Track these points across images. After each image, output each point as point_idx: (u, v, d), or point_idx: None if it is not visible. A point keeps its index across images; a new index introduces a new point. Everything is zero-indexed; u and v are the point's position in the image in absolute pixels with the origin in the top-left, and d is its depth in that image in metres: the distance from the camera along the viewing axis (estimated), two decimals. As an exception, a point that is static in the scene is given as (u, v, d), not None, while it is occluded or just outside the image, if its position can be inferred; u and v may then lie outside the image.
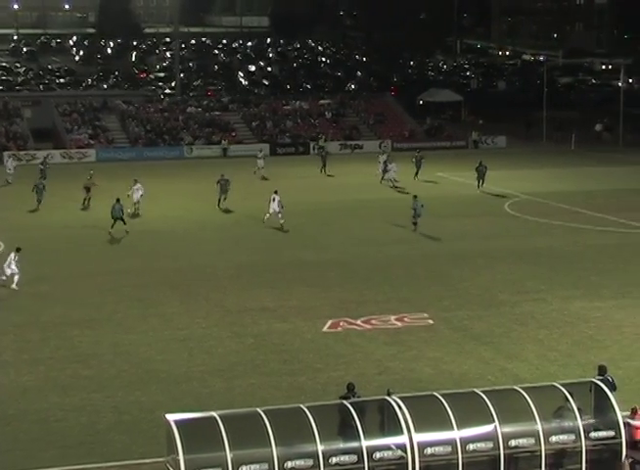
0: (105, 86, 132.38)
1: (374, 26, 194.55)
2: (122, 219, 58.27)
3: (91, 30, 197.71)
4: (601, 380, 29.20)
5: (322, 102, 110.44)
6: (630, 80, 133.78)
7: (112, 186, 68.82)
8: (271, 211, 61.45)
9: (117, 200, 58.75)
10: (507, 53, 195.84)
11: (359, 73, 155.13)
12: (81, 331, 41.24)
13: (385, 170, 77.09)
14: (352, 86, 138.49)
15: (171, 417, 26.15)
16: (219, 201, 66.92)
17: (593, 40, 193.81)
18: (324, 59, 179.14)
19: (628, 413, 28.26)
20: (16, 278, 47.12)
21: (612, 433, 27.54)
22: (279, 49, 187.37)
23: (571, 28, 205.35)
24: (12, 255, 47.50)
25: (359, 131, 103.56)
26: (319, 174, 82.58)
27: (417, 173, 79.14)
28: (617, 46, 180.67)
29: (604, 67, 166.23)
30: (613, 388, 29.40)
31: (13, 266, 47.11)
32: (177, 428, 25.63)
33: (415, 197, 60.43)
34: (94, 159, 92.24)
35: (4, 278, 47.16)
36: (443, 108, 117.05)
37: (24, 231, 59.19)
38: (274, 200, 61.44)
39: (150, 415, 31.71)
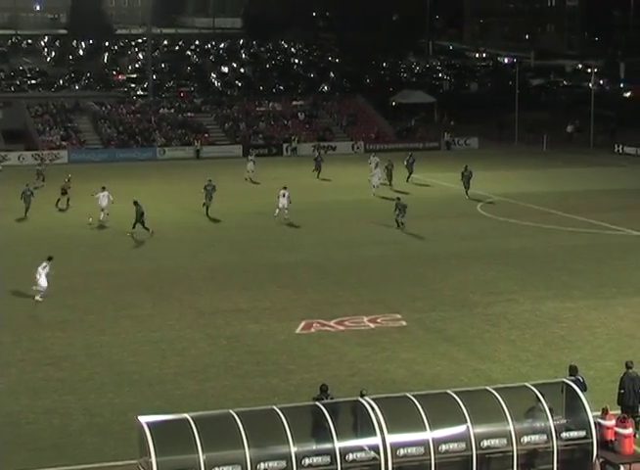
0: (77, 87, 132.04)
1: (346, 28, 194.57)
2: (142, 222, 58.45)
3: (63, 31, 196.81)
4: (572, 380, 29.30)
5: (295, 103, 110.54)
6: (601, 82, 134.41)
7: (84, 188, 68.58)
8: (280, 205, 62.74)
9: (135, 202, 58.88)
10: (481, 55, 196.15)
11: (332, 75, 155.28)
12: (53, 333, 41.14)
13: (389, 174, 76.61)
14: (325, 88, 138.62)
15: (144, 419, 26.09)
16: (207, 208, 65.46)
17: (564, 42, 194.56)
18: (297, 60, 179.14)
19: (599, 413, 28.39)
20: (40, 291, 45.50)
21: (583, 433, 27.63)
22: (252, 50, 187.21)
23: (543, 30, 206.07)
24: (43, 264, 45.47)
25: (332, 132, 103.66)
26: (293, 175, 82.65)
27: (409, 176, 79.02)
28: (589, 48, 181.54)
29: (580, 66, 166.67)
30: (584, 388, 29.49)
31: (44, 277, 45.11)
32: (150, 430, 25.57)
33: (398, 199, 61.17)
34: (66, 160, 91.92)
35: (41, 289, 45.24)
36: (416, 109, 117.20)
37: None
38: (283, 195, 62.63)
39: (122, 417, 31.64)
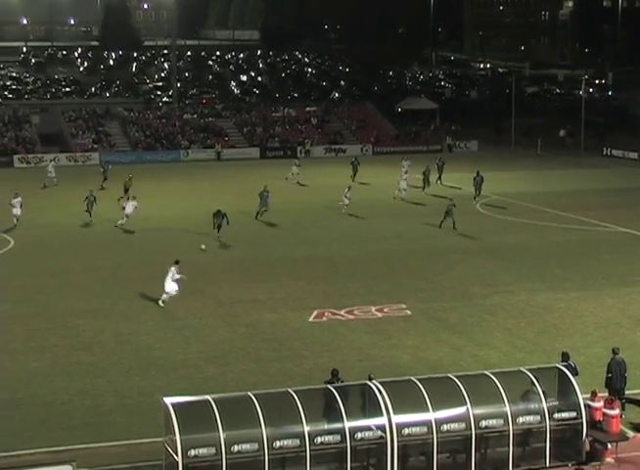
0: (107, 95, 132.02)
1: (356, 40, 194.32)
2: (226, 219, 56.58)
3: (95, 43, 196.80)
4: (564, 366, 29.28)
5: (308, 109, 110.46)
6: (591, 90, 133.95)
7: (114, 187, 68.69)
8: (346, 201, 64.20)
9: (219, 211, 56.67)
10: (480, 65, 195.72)
11: (342, 83, 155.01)
12: (85, 321, 41.19)
13: (426, 179, 74.54)
14: (336, 95, 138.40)
15: (169, 400, 26.15)
16: (259, 213, 63.21)
17: (557, 53, 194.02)
18: (310, 69, 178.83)
19: (589, 396, 28.39)
20: (163, 296, 43.23)
21: (574, 414, 27.64)
22: (268, 60, 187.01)
23: (537, 42, 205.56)
24: (172, 269, 42.92)
25: (343, 136, 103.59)
26: (306, 176, 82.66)
27: (439, 178, 77.63)
28: (579, 59, 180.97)
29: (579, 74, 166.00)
30: (575, 373, 29.47)
31: (172, 282, 42.80)
32: (174, 410, 25.64)
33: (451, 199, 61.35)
34: (97, 162, 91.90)
35: (174, 293, 42.96)
36: (420, 115, 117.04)
37: (34, 229, 59.13)
38: (349, 189, 64.96)
39: (149, 399, 31.69)
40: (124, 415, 31.00)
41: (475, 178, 70.54)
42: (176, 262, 43.18)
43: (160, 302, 43.16)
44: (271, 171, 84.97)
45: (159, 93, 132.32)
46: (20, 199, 61.15)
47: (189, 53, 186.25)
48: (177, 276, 42.69)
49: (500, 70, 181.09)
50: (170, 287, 42.77)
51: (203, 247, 43.27)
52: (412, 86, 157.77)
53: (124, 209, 60.51)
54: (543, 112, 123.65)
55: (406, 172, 73.84)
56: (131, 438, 29.06)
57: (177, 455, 25.17)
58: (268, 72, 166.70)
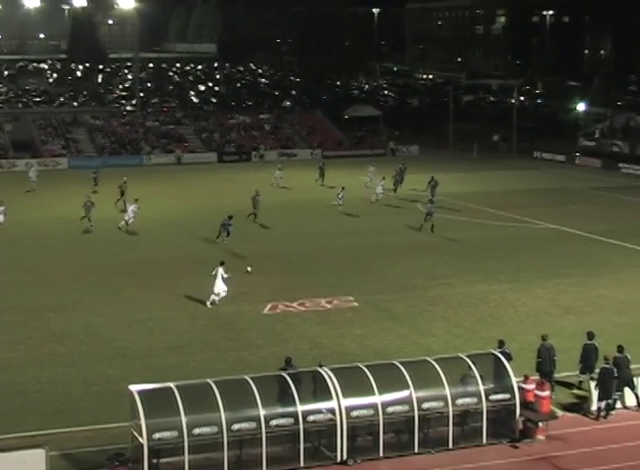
0: (75, 104, 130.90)
1: (306, 52, 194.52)
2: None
3: (63, 56, 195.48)
4: (500, 352, 29.48)
5: (262, 116, 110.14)
6: (522, 98, 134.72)
7: (83, 190, 68.16)
8: (340, 201, 64.33)
9: (229, 217, 54.73)
10: (421, 75, 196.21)
11: (293, 92, 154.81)
12: (56, 315, 40.89)
13: (398, 182, 73.80)
14: (288, 103, 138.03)
15: (134, 387, 26.08)
16: (254, 215, 61.80)
17: (491, 64, 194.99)
18: (263, 80, 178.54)
19: (522, 379, 28.59)
20: (212, 297, 41.75)
21: (508, 396, 27.85)
22: (225, 71, 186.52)
23: (473, 54, 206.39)
24: (219, 269, 41.48)
25: (294, 141, 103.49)
26: (261, 178, 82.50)
27: (401, 181, 75.64)
28: (511, 69, 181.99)
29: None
30: (509, 358, 29.69)
31: (222, 282, 41.43)
32: (139, 397, 25.56)
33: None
34: (66, 166, 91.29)
35: (223, 294, 41.63)
36: (365, 121, 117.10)
37: (9, 229, 58.60)
38: (342, 189, 64.94)
39: (115, 386, 31.49)
40: (93, 402, 30.82)
41: (429, 182, 70.40)
42: (222, 263, 41.78)
43: (209, 303, 41.67)
44: (228, 175, 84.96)
45: (123, 102, 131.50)
46: (3, 208, 59.97)
47: (151, 65, 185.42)
48: (225, 276, 41.42)
49: (439, 80, 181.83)
50: (220, 287, 41.44)
51: (249, 269, 41.66)
52: (358, 95, 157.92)
53: (124, 211, 59.60)
54: (479, 118, 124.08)
55: (384, 178, 72.56)
56: (99, 423, 28.90)
57: (142, 438, 25.10)
58: (225, 83, 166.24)
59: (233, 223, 54.44)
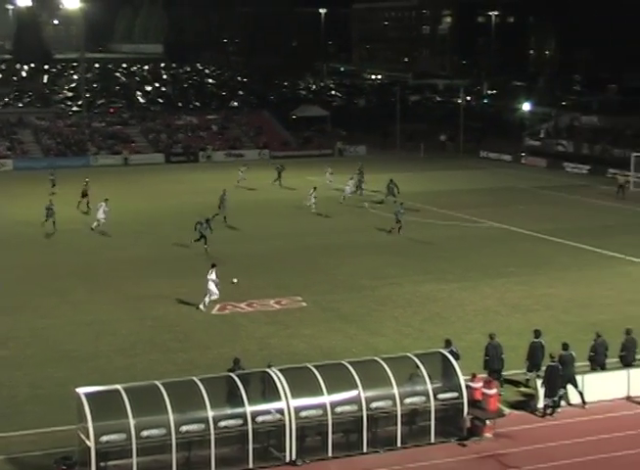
0: (20, 105, 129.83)
1: (253, 52, 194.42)
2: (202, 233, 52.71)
3: (8, 56, 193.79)
4: (447, 351, 29.61)
5: (209, 117, 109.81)
6: (468, 98, 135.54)
7: (28, 191, 67.58)
8: (313, 200, 64.09)
9: (207, 220, 53.51)
10: (368, 75, 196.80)
11: (241, 92, 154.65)
12: (1, 317, 40.46)
13: (359, 186, 72.90)
14: (235, 103, 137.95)
15: (81, 390, 25.89)
16: (218, 215, 60.54)
17: (437, 64, 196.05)
18: (210, 80, 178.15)
19: (469, 377, 28.74)
20: (206, 299, 41.34)
21: (455, 394, 27.99)
22: (171, 72, 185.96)
23: (419, 55, 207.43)
24: (211, 271, 41.17)
25: (241, 142, 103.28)
26: (208, 178, 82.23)
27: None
28: (457, 70, 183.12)
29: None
30: (457, 357, 29.84)
31: (213, 286, 40.96)
32: (86, 399, 25.39)
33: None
34: (11, 168, 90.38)
35: (214, 297, 41.18)
36: (313, 122, 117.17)
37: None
38: (314, 189, 64.65)
39: (62, 389, 31.21)
40: (39, 405, 30.54)
41: (388, 185, 70.10)
42: (213, 266, 41.45)
43: (202, 306, 41.16)
44: (175, 176, 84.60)
45: (69, 103, 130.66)
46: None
47: (97, 65, 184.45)
48: (217, 279, 40.99)
49: (386, 80, 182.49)
50: (212, 290, 40.97)
51: (234, 280, 41.25)
52: (305, 95, 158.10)
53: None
54: (425, 118, 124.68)
55: (351, 178, 72.30)
56: (46, 426, 28.61)
57: (90, 441, 24.92)
58: (171, 83, 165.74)
59: (208, 226, 52.74)
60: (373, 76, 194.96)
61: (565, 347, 30.18)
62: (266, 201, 70.62)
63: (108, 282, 46.47)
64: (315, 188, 65.82)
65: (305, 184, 76.07)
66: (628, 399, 30.91)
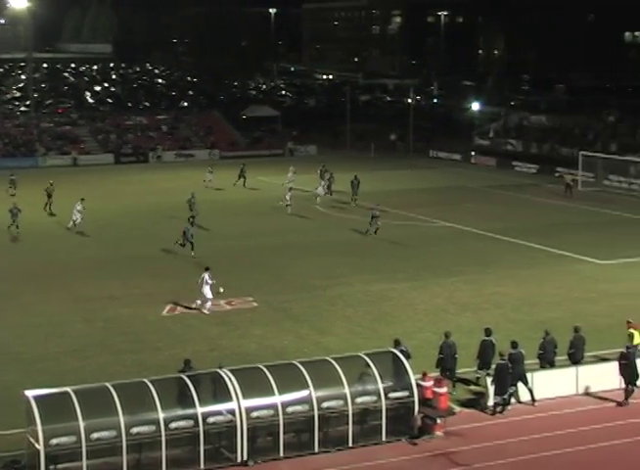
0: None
1: (203, 52, 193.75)
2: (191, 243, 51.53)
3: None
4: (399, 350, 29.71)
5: (159, 117, 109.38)
6: (418, 98, 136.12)
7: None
8: (288, 202, 63.76)
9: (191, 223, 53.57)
10: (319, 75, 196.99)
11: (190, 92, 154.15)
12: (-51, 320, 40.08)
13: (328, 187, 72.10)
14: (185, 103, 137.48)
15: (30, 393, 25.69)
16: (192, 218, 59.38)
17: (387, 64, 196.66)
18: (160, 80, 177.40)
19: (420, 376, 28.87)
20: (208, 304, 41.08)
21: (406, 393, 28.10)
22: (121, 72, 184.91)
23: (369, 54, 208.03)
24: (205, 275, 40.67)
25: (192, 142, 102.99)
26: (158, 179, 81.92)
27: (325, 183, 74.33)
28: (407, 69, 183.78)
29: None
30: (408, 356, 29.97)
31: (208, 289, 40.65)
32: (35, 402, 25.19)
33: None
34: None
35: (208, 302, 40.84)
36: (263, 122, 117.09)
37: None
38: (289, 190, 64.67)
39: (10, 392, 30.86)
40: (-13, 409, 30.25)
41: (352, 181, 70.07)
42: (207, 269, 41.04)
43: (206, 310, 40.81)
44: (125, 176, 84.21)
45: (16, 103, 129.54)
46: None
47: (45, 65, 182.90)
48: (210, 282, 40.56)
49: (336, 80, 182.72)
50: (209, 293, 40.68)
51: (221, 290, 40.78)
52: (255, 95, 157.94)
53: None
54: (376, 118, 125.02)
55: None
56: (-6, 430, 28.38)
57: (39, 445, 24.73)
58: (121, 83, 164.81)
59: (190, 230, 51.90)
60: (324, 76, 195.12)
61: (514, 345, 30.40)
62: (224, 201, 70.34)
63: (58, 284, 46.14)
64: (291, 188, 65.97)
65: (257, 184, 76.16)
66: (577, 396, 31.22)
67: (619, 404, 30.55)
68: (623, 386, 30.93)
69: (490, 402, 30.03)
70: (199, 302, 41.34)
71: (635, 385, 30.75)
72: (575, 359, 32.16)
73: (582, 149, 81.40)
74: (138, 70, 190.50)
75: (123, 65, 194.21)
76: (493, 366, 30.44)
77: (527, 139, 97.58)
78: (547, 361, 31.93)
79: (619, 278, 46.97)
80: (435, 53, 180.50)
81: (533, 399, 30.49)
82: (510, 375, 29.72)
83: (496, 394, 29.76)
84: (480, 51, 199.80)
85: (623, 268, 49.15)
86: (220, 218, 63.45)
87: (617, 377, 31.43)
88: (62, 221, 61.04)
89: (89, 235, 58.10)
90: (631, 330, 32.40)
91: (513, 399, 30.22)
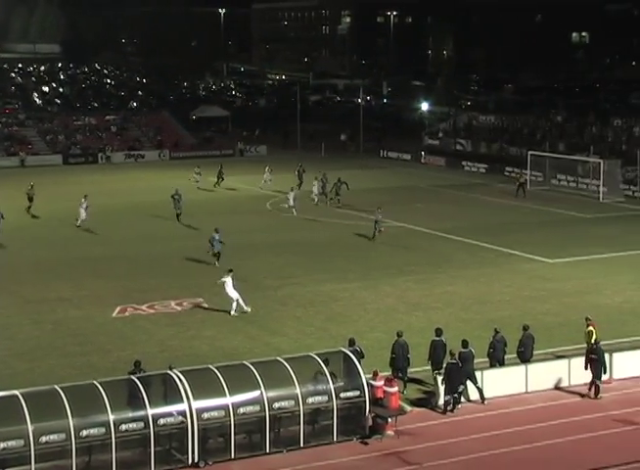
0: None
1: (152, 52, 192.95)
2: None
3: None
4: (351, 350, 29.77)
5: (108, 118, 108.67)
6: (368, 98, 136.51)
7: None
8: (291, 203, 63.73)
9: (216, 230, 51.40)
10: (268, 75, 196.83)
11: (140, 93, 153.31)
12: None
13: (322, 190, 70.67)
14: (134, 104, 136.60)
15: (-22, 397, 25.43)
16: (178, 215, 61.05)
17: (337, 64, 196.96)
18: (109, 80, 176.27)
19: (371, 376, 28.94)
20: (234, 304, 40.56)
21: (357, 393, 28.16)
22: (69, 72, 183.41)
23: (319, 54, 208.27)
24: (227, 278, 40.38)
25: (141, 143, 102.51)
26: (108, 180, 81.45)
27: (300, 184, 74.32)
28: (357, 69, 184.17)
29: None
30: (362, 356, 30.08)
31: (231, 289, 40.35)
32: (-17, 406, 24.94)
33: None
34: None
35: (232, 300, 40.43)
36: (213, 122, 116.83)
37: None
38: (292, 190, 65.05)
39: (-41, 396, 30.60)
40: None
41: (335, 183, 69.83)
42: (230, 271, 40.74)
43: (233, 312, 40.36)
44: (74, 177, 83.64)
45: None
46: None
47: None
48: (230, 283, 40.28)
49: (286, 80, 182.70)
50: (234, 293, 40.33)
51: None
52: (205, 95, 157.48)
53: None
54: (326, 118, 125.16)
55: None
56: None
57: (-14, 449, 24.51)
58: (69, 83, 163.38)
59: (220, 238, 50.12)
60: (276, 76, 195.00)
61: (464, 344, 30.57)
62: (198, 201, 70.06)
63: (5, 285, 45.70)
64: (292, 188, 66.00)
65: (209, 185, 75.87)
66: (526, 394, 31.48)
67: (584, 396, 30.99)
68: (585, 382, 31.20)
69: (441, 401, 30.17)
70: (238, 300, 40.49)
71: (600, 380, 31.03)
72: (525, 358, 32.39)
73: (531, 148, 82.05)
74: (87, 70, 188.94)
75: (72, 65, 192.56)
76: (444, 365, 30.59)
77: (477, 139, 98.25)
78: (497, 360, 32.13)
79: (568, 277, 47.40)
80: (385, 53, 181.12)
81: (483, 398, 30.67)
82: (460, 374, 29.88)
83: (446, 393, 29.91)
84: (430, 51, 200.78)
85: (572, 267, 49.61)
86: (156, 219, 63.01)
87: (565, 375, 31.80)
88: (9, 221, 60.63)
89: (38, 237, 57.67)
90: (590, 328, 32.65)
91: (463, 398, 30.39)
